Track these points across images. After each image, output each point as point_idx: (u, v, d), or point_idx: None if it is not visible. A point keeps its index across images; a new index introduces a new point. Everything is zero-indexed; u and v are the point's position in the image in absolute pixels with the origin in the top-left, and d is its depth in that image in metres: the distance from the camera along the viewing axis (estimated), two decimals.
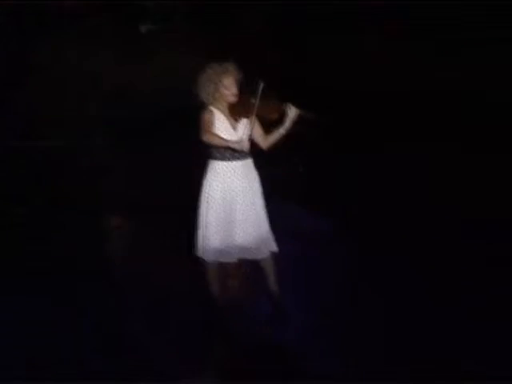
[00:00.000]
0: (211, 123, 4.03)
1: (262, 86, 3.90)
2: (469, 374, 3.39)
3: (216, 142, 4.02)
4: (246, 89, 4.05)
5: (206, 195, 4.13)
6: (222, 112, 4.08)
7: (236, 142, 3.99)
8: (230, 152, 4.05)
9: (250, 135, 3.97)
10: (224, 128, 4.06)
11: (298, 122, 3.98)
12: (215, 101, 4.06)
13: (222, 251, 4.11)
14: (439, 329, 3.91)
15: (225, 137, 4.03)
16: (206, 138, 4.00)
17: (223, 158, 4.09)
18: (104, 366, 3.54)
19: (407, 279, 4.54)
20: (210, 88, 4.04)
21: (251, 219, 4.13)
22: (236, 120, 4.07)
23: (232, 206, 4.09)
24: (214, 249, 4.09)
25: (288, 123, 4.02)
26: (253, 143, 4.06)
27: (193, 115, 4.08)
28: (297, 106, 3.96)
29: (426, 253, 4.90)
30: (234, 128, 4.08)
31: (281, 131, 4.06)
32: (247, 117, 3.99)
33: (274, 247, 4.21)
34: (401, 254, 4.95)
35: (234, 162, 4.09)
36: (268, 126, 4.08)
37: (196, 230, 4.17)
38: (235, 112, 4.05)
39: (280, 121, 4.02)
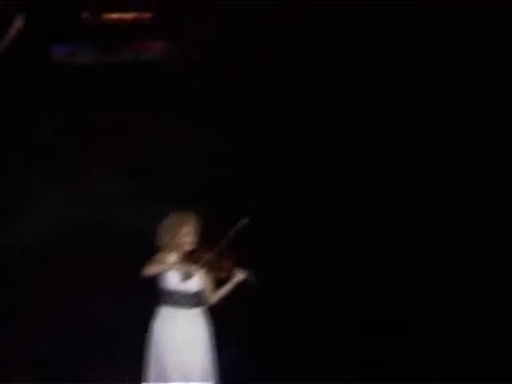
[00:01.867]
0: (159, 261, 4.08)
1: (223, 245, 4.01)
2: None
3: (157, 269, 4.05)
4: (204, 241, 4.16)
5: (153, 340, 4.16)
6: (177, 259, 4.13)
7: (180, 264, 4.03)
8: (177, 298, 4.12)
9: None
10: (173, 274, 4.11)
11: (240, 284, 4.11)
12: (172, 247, 4.13)
13: None
14: None
15: (174, 283, 4.10)
16: (146, 271, 4.03)
17: (170, 304, 4.13)
18: None
19: None
20: (168, 235, 4.13)
21: (198, 368, 4.10)
22: (187, 269, 4.07)
23: (180, 353, 4.07)
24: None
25: (232, 285, 4.13)
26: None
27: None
28: (243, 269, 4.08)
29: None
30: (184, 277, 4.09)
31: (226, 289, 4.16)
32: (196, 268, 4.05)
33: None
34: None
35: (181, 310, 4.13)
36: (218, 283, 4.18)
37: (145, 377, 4.16)
38: (188, 261, 4.09)
39: (227, 280, 4.14)
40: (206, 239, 4.18)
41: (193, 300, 4.15)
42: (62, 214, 7.17)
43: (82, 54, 7.65)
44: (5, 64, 7.35)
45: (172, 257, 4.14)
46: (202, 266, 4.04)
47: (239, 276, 4.09)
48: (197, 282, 4.14)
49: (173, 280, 4.11)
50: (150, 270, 4.04)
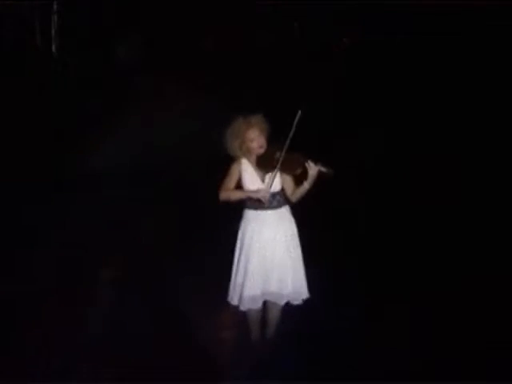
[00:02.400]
0: (233, 178, 4.10)
1: (288, 141, 3.92)
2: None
3: (233, 197, 4.08)
4: (273, 143, 4.08)
5: (240, 243, 4.19)
6: (251, 164, 4.14)
7: (255, 192, 4.03)
8: (261, 201, 4.08)
9: (271, 186, 4.02)
10: (252, 179, 4.13)
11: (319, 176, 4.01)
12: (243, 153, 4.12)
13: (257, 299, 4.15)
14: None
15: (253, 188, 4.10)
16: (222, 196, 4.07)
17: (255, 207, 4.13)
18: None
19: None
20: (236, 142, 4.09)
21: (286, 267, 4.13)
22: (264, 172, 4.08)
23: (266, 253, 4.10)
24: (249, 297, 4.12)
25: (310, 179, 4.01)
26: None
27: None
28: (316, 162, 3.99)
29: None
30: (263, 180, 4.11)
31: (305, 186, 4.06)
32: (272, 169, 4.01)
33: (306, 294, 4.23)
34: None
35: (266, 211, 4.12)
36: (297, 181, 4.12)
37: (230, 279, 4.22)
38: (262, 164, 4.08)
39: (305, 176, 4.04)
40: (272, 142, 4.10)
41: (276, 201, 4.13)
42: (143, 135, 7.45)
43: None
44: None
45: (248, 167, 4.12)
46: (279, 167, 3.97)
47: (311, 170, 3.97)
48: (276, 182, 4.10)
49: (254, 187, 4.09)
50: (225, 197, 4.07)
